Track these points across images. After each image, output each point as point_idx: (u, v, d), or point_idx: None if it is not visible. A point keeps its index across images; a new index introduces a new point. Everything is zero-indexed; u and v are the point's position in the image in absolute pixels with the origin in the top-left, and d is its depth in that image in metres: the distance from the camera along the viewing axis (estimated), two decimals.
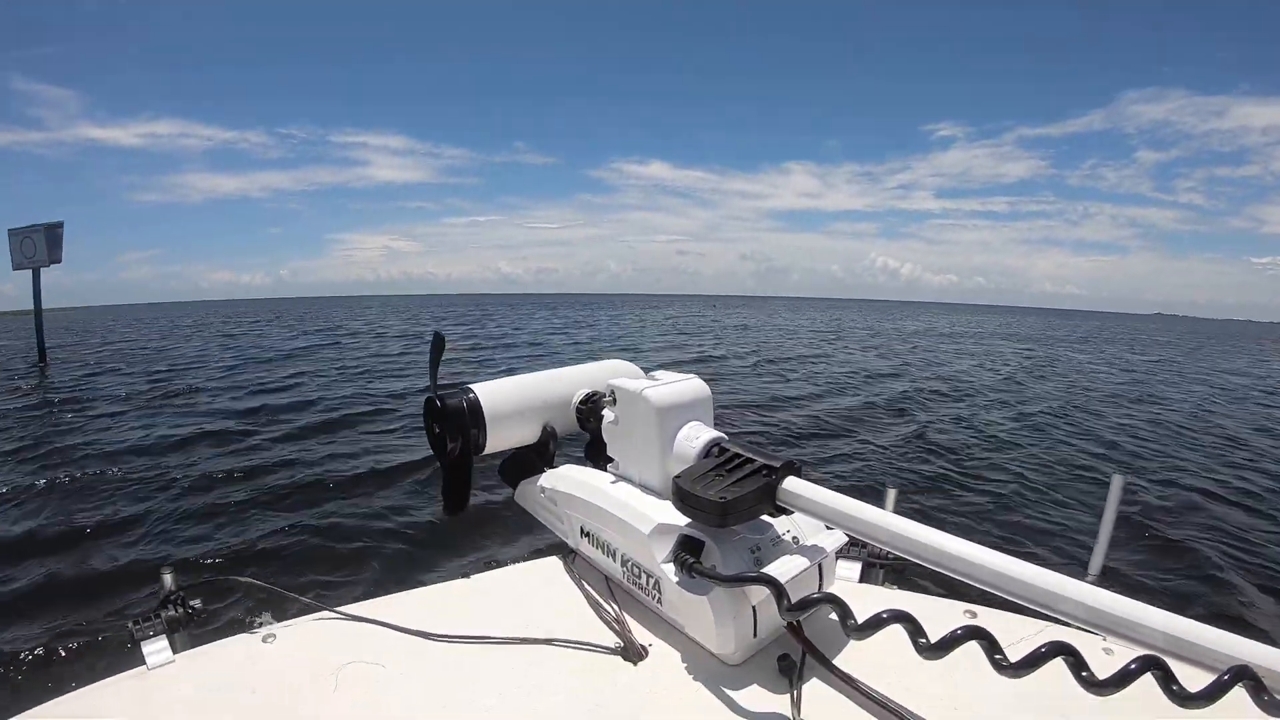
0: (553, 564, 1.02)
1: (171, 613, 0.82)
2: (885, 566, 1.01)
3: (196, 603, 0.84)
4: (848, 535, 0.79)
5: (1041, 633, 0.80)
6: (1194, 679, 0.47)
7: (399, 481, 5.38)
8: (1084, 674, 0.51)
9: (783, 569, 0.73)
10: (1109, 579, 1.02)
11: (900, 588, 0.99)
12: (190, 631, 0.82)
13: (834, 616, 0.65)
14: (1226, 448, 7.55)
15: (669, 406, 0.86)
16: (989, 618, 0.85)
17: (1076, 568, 1.06)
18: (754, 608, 0.75)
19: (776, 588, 0.67)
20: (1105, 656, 0.74)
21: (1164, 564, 4.09)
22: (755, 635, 0.76)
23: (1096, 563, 1.07)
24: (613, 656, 0.79)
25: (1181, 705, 0.47)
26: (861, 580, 1.00)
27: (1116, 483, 1.10)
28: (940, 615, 0.87)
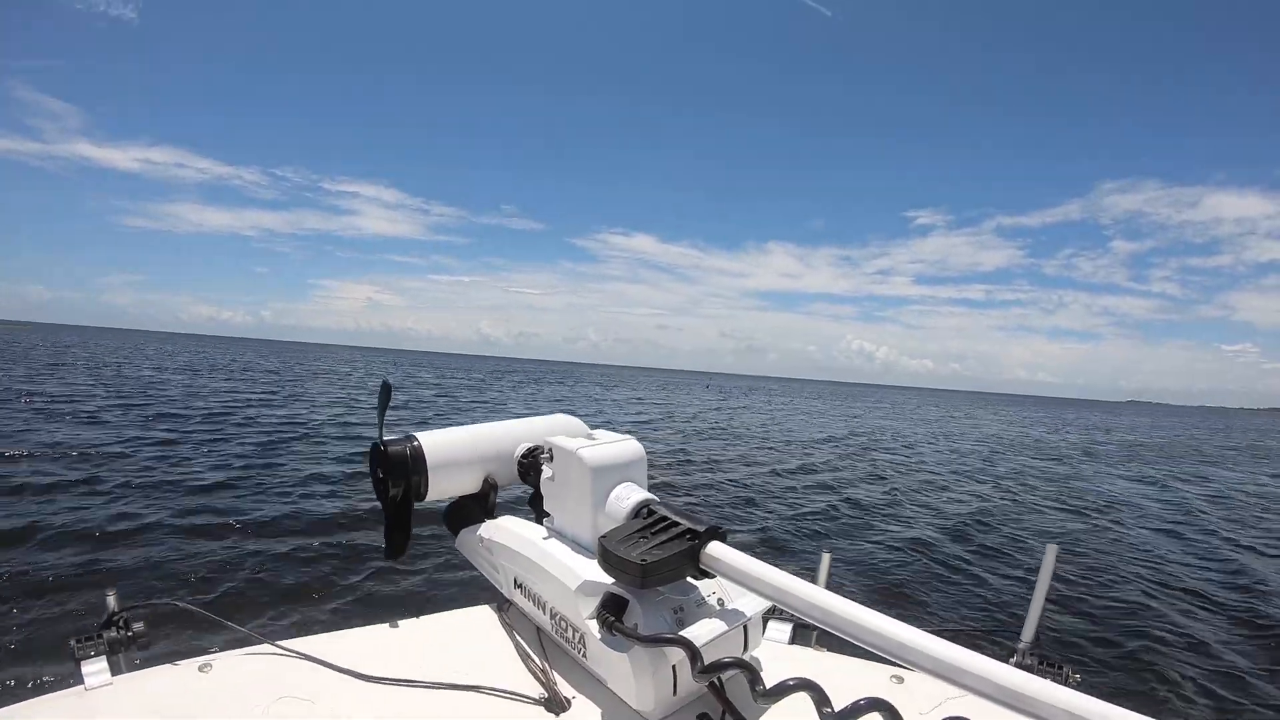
0: (486, 613, 1.05)
1: (113, 634, 0.84)
2: (817, 629, 1.04)
3: (139, 625, 0.86)
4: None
5: (961, 699, 0.82)
6: None
7: (342, 523, 5.39)
8: None
9: (700, 631, 0.77)
10: (1041, 647, 1.03)
11: (830, 650, 1.00)
12: (130, 654, 0.84)
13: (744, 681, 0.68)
14: None
15: (603, 466, 0.91)
16: (915, 682, 0.89)
17: (1011, 635, 1.08)
18: (674, 666, 0.79)
19: (690, 649, 0.71)
20: None
21: (1094, 633, 4.22)
22: (675, 693, 0.79)
23: (1029, 630, 1.06)
24: (536, 707, 0.82)
25: None
26: (792, 641, 1.02)
27: (1050, 553, 1.10)
28: (863, 679, 0.91)
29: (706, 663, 0.71)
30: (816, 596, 0.67)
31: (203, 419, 11.25)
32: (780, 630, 1.03)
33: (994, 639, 0.61)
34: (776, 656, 0.98)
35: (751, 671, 0.68)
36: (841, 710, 0.60)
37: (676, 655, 0.78)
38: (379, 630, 0.99)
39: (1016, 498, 9.51)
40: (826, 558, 1.30)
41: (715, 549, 0.80)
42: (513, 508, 1.13)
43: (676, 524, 0.83)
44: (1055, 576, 1.08)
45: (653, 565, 0.77)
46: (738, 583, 0.78)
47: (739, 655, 0.81)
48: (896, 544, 6.21)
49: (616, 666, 0.80)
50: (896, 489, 9.56)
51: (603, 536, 0.83)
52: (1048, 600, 1.08)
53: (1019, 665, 1.00)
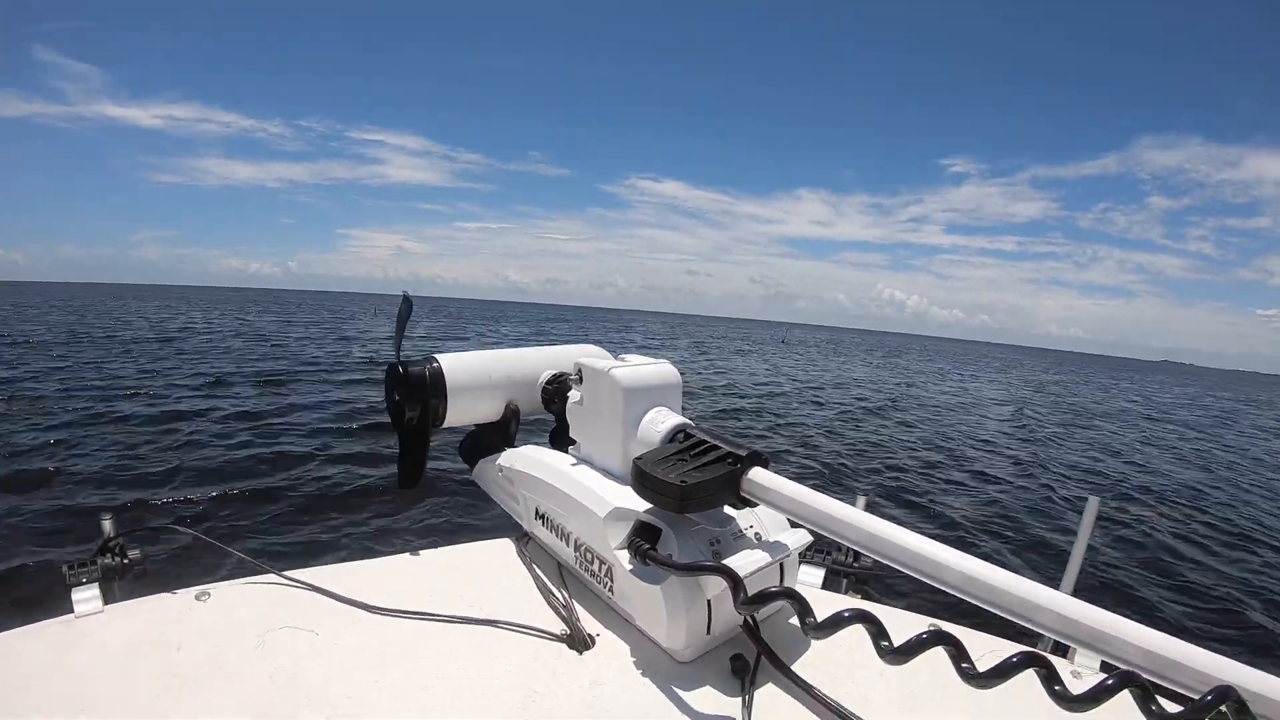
0: (505, 545, 1.00)
1: (108, 561, 0.80)
2: (849, 575, 0.97)
3: (135, 553, 0.82)
4: (813, 534, 0.75)
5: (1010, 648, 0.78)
6: (1173, 699, 0.44)
7: (354, 451, 5.29)
8: (1057, 688, 0.48)
9: (741, 562, 0.69)
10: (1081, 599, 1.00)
11: (864, 598, 0.95)
12: (126, 582, 0.80)
13: (793, 618, 0.62)
14: None
15: (636, 388, 0.84)
16: (954, 632, 0.82)
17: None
18: (709, 602, 0.72)
19: (733, 579, 0.64)
20: (1073, 680, 0.71)
21: (1139, 587, 3.98)
22: (708, 632, 0.73)
23: (1068, 584, 1.04)
24: (557, 644, 0.76)
25: None
26: (824, 588, 0.96)
27: (1092, 504, 1.06)
28: (904, 627, 0.84)
29: (750, 594, 0.63)
30: (873, 525, 0.59)
31: (220, 354, 11.41)
32: (812, 575, 0.97)
33: (1034, 582, 0.52)
34: (810, 600, 0.92)
35: (801, 603, 0.60)
36: (904, 644, 0.53)
37: (711, 590, 0.71)
38: (388, 562, 0.94)
39: None
40: (863, 500, 1.23)
41: (758, 475, 0.72)
42: (531, 441, 1.05)
43: (716, 448, 0.75)
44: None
45: (692, 488, 0.69)
46: (783, 510, 0.69)
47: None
48: None
49: (646, 601, 0.73)
50: None
51: (637, 458, 0.75)
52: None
53: None
